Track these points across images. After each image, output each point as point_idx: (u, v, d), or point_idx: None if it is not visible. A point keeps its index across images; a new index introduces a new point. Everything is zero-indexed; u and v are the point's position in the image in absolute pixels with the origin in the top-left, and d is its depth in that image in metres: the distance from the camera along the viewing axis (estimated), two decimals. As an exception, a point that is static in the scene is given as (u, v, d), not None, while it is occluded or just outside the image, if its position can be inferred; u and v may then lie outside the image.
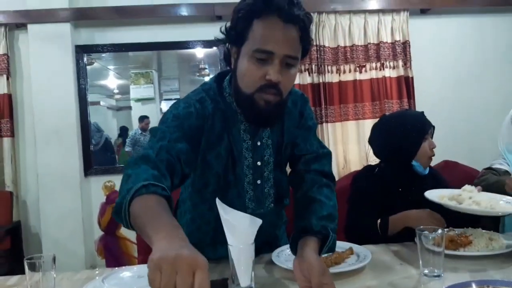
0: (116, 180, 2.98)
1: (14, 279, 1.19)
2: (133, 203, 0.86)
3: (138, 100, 3.81)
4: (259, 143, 1.18)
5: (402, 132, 1.49)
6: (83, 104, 3.28)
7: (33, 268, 0.99)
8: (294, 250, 1.05)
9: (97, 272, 1.22)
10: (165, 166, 0.99)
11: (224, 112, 1.14)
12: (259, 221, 1.05)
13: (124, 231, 2.98)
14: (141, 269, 1.15)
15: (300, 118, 1.24)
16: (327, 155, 1.26)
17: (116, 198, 2.56)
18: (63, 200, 3.11)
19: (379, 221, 1.44)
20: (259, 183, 1.20)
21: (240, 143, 1.16)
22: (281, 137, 1.22)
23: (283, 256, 1.20)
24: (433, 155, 1.53)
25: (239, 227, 1.03)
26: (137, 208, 0.86)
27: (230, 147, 1.15)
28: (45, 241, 3.11)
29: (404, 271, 1.08)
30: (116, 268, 1.21)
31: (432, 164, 1.63)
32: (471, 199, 1.27)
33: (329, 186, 1.19)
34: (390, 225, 1.40)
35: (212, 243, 1.23)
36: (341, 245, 1.20)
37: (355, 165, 3.19)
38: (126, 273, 1.16)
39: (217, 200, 1.09)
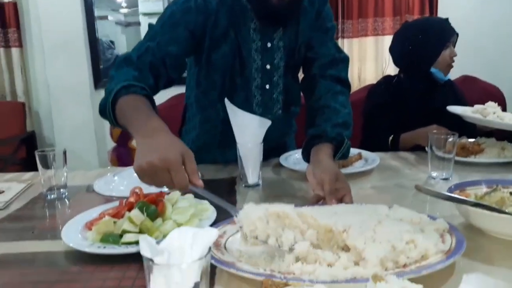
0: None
1: (28, 175, 1.22)
2: (116, 104, 0.90)
3: (146, 14, 3.66)
4: (269, 45, 1.12)
5: (423, 38, 1.41)
6: (90, 18, 3.17)
7: (44, 161, 1.00)
8: (306, 157, 1.03)
9: (109, 168, 1.25)
10: (148, 68, 1.00)
11: (231, 7, 1.06)
12: (268, 122, 1.04)
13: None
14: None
15: (317, 18, 1.16)
16: (344, 60, 1.20)
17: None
18: (75, 112, 3.13)
19: (390, 138, 1.42)
20: (267, 88, 1.15)
21: (249, 43, 1.10)
22: (295, 39, 1.15)
23: (291, 159, 1.21)
24: (453, 62, 1.47)
25: (248, 127, 1.03)
26: (118, 109, 0.91)
27: (237, 46, 1.09)
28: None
29: (412, 175, 1.08)
30: (128, 167, 1.23)
31: (451, 78, 1.57)
32: (495, 114, 1.24)
33: (344, 93, 1.14)
34: (401, 142, 1.38)
35: (220, 146, 1.23)
36: (350, 151, 1.19)
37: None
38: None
39: (226, 100, 1.07)
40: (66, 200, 0.99)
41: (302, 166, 1.12)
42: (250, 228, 0.64)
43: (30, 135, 3.18)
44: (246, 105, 1.12)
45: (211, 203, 0.79)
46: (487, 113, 1.25)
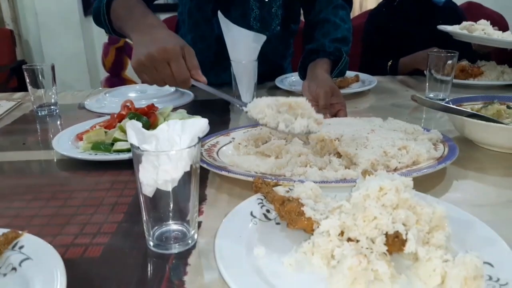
0: (118, 20, 2.85)
1: (18, 94, 1.20)
2: (110, 8, 0.87)
3: None
4: None
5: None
6: None
7: (33, 77, 0.97)
8: (303, 74, 1.00)
9: (100, 89, 1.22)
10: None
11: None
12: (263, 37, 0.99)
13: (129, 73, 2.97)
14: (143, 87, 1.15)
15: None
16: None
17: (118, 38, 2.48)
18: (65, 41, 3.03)
19: (389, 63, 1.39)
20: (266, 0, 1.10)
21: None
22: None
23: (287, 82, 1.18)
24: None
25: (242, 42, 0.98)
26: (112, 12, 0.87)
27: None
28: (52, 81, 3.13)
29: (408, 95, 1.06)
30: (120, 87, 1.21)
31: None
32: (484, 31, 1.19)
33: (345, 8, 1.09)
34: (400, 66, 1.35)
35: (214, 68, 1.19)
36: (347, 73, 1.16)
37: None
38: (129, 90, 1.17)
39: (219, 14, 1.02)
40: (57, 116, 0.98)
41: (298, 88, 1.10)
42: (259, 116, 0.60)
43: (20, 64, 3.10)
44: (242, 20, 1.06)
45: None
46: (474, 29, 1.19)
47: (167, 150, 0.40)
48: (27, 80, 0.98)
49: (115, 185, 0.59)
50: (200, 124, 0.41)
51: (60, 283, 0.35)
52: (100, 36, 2.95)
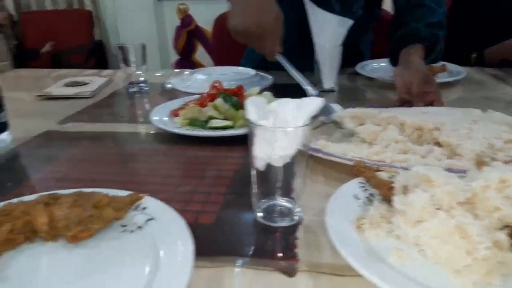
0: (190, 3, 2.93)
1: (106, 71, 1.28)
2: None
3: None
4: None
5: None
6: None
7: (125, 55, 1.03)
8: (394, 60, 0.97)
9: (184, 70, 1.27)
10: None
11: None
12: (349, 22, 0.98)
13: (199, 56, 3.06)
14: (225, 69, 1.18)
15: None
16: None
17: (190, 21, 2.54)
18: (139, 23, 3.17)
19: (474, 55, 1.31)
20: None
21: None
22: None
23: (368, 68, 1.16)
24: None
25: (327, 26, 0.98)
26: None
27: None
28: (125, 62, 3.30)
29: (501, 88, 1.00)
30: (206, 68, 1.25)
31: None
32: None
33: None
34: (487, 57, 1.27)
35: (295, 51, 1.19)
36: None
37: None
38: (212, 71, 1.21)
39: (305, -4, 1.01)
40: (146, 93, 1.04)
41: (380, 74, 1.08)
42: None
43: (98, 44, 3.29)
44: (323, 2, 1.05)
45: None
46: None
47: (285, 126, 0.41)
48: (120, 58, 1.04)
49: (213, 160, 0.62)
50: (316, 103, 0.42)
51: (185, 242, 0.38)
52: (172, 20, 3.05)
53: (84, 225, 0.40)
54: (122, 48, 1.04)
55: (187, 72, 1.23)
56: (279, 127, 0.41)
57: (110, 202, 0.43)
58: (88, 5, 3.26)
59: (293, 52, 1.17)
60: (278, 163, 0.42)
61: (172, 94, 1.01)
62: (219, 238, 0.43)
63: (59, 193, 0.44)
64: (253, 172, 0.44)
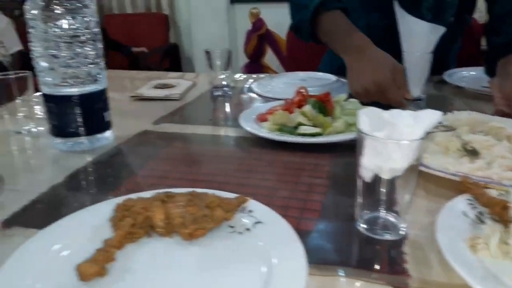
0: (262, 7, 2.97)
1: (189, 75, 1.34)
2: (318, 20, 0.98)
3: None
4: None
5: None
6: None
7: (212, 60, 1.08)
8: (490, 70, 0.93)
9: (262, 75, 1.30)
10: None
11: None
12: (441, 29, 0.95)
13: (267, 60, 3.09)
14: (305, 74, 1.19)
15: None
16: None
17: (261, 25, 2.59)
18: (211, 27, 3.27)
19: None
20: None
21: None
22: None
23: (456, 76, 1.11)
24: None
25: (418, 33, 0.95)
26: (318, 26, 0.98)
27: None
28: (197, 63, 3.42)
29: None
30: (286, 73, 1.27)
31: None
32: None
33: None
34: None
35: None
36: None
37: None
38: (291, 76, 1.22)
39: (395, 3, 0.99)
40: (229, 97, 1.07)
41: (469, 83, 1.03)
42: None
43: (173, 46, 3.44)
44: (414, 9, 1.02)
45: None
46: None
47: (400, 139, 0.40)
48: (207, 62, 1.08)
49: (304, 166, 0.63)
50: (434, 116, 0.41)
51: (297, 248, 0.39)
52: (243, 23, 3.12)
53: (198, 223, 0.43)
54: (208, 53, 1.08)
55: (264, 76, 1.26)
56: (393, 139, 0.40)
57: (220, 203, 0.46)
58: (165, 9, 3.42)
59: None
60: (388, 175, 0.42)
61: (253, 98, 1.04)
62: (321, 246, 0.44)
63: (173, 192, 0.48)
64: (359, 182, 0.45)
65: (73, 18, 0.64)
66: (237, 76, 1.31)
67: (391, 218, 0.46)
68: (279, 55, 2.92)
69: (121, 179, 0.61)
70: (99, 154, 0.70)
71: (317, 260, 0.41)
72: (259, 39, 2.93)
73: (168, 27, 3.37)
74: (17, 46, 3.55)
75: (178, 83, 1.18)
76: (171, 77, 1.31)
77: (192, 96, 1.08)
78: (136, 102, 1.03)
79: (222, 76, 1.09)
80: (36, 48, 0.67)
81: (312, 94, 0.85)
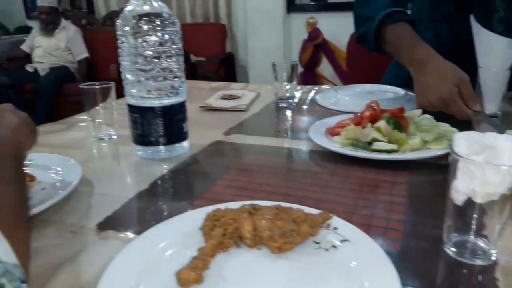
0: (319, 17, 2.97)
1: (252, 86, 1.36)
2: (383, 31, 0.99)
3: None
4: None
5: None
6: None
7: (276, 72, 1.10)
8: None
9: (325, 86, 1.30)
10: None
11: None
12: (521, 44, 0.91)
13: (322, 70, 3.09)
14: (373, 87, 1.18)
15: None
16: None
17: (318, 35, 2.59)
18: (267, 36, 3.31)
19: None
20: None
21: None
22: None
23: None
24: None
25: (496, 49, 0.92)
26: (385, 38, 0.99)
27: None
28: (251, 72, 3.48)
29: None
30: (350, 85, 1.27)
31: None
32: None
33: None
34: None
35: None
36: None
37: None
38: (358, 89, 1.22)
39: (471, 17, 0.97)
40: (294, 109, 1.08)
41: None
42: None
43: (228, 55, 3.53)
44: (485, 22, 0.99)
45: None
46: None
47: (499, 164, 0.40)
48: (273, 74, 1.11)
49: (380, 183, 0.63)
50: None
51: (389, 269, 0.39)
52: (299, 33, 3.13)
53: (286, 238, 0.44)
54: (274, 65, 1.10)
55: (327, 87, 1.26)
56: (492, 163, 0.40)
57: (305, 219, 0.47)
58: (223, 18, 3.51)
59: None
60: (482, 200, 0.41)
61: (318, 111, 1.04)
62: (408, 267, 0.44)
63: (259, 204, 0.49)
64: (450, 205, 0.44)
65: (161, 34, 0.69)
66: (298, 87, 1.31)
67: (481, 243, 0.45)
68: (335, 65, 2.91)
69: (202, 188, 0.64)
70: (177, 162, 0.74)
71: (403, 282, 0.41)
72: (315, 49, 2.93)
73: (225, 37, 3.46)
74: (84, 54, 3.80)
75: (243, 94, 1.21)
76: (234, 88, 1.35)
77: (257, 107, 1.11)
78: (205, 112, 1.07)
79: (287, 88, 1.10)
80: (125, 62, 0.72)
81: (383, 108, 0.84)
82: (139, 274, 0.41)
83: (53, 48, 3.70)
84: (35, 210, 0.53)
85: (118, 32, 0.71)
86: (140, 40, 0.68)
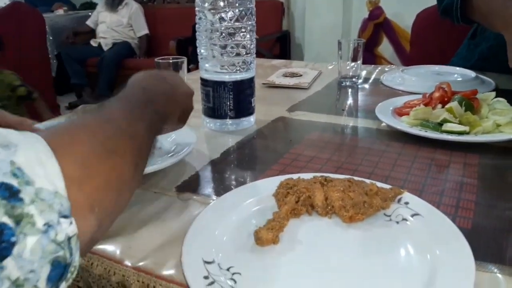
0: (382, -5, 2.87)
1: (316, 65, 1.36)
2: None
3: None
4: None
5: None
6: None
7: (342, 49, 1.09)
8: None
9: (391, 66, 1.28)
10: None
11: None
12: None
13: (381, 50, 3.00)
14: (441, 68, 1.14)
15: None
16: None
17: (380, 14, 2.47)
18: (326, 15, 3.25)
19: None
20: None
21: None
22: None
23: None
24: None
25: None
26: (472, 6, 0.95)
27: None
28: (306, 51, 3.45)
29: None
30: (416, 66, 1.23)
31: None
32: None
33: None
34: None
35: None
36: None
37: None
38: (425, 70, 1.18)
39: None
40: (357, 88, 1.08)
41: None
42: None
43: (284, 34, 3.51)
44: None
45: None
46: None
47: None
48: (338, 52, 1.10)
49: (452, 164, 0.62)
50: None
51: (461, 242, 0.40)
52: (359, 12, 3.04)
53: (358, 208, 0.46)
54: (340, 43, 1.10)
55: (392, 67, 1.24)
56: None
57: (378, 192, 0.48)
58: (280, -4, 3.49)
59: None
60: None
61: (383, 90, 1.03)
62: (478, 244, 0.44)
63: (331, 177, 0.51)
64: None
65: (238, 10, 0.71)
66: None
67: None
68: (397, 46, 2.81)
69: (270, 160, 0.67)
70: (244, 135, 0.77)
71: (478, 256, 0.41)
72: (375, 28, 2.84)
73: (283, 14, 3.43)
74: (144, 30, 3.93)
75: (305, 72, 1.22)
76: (296, 66, 1.36)
77: (319, 85, 1.11)
78: (267, 89, 1.09)
79: (351, 66, 1.10)
80: (201, 37, 0.75)
81: (454, 90, 0.82)
82: (221, 233, 0.45)
83: (116, 24, 3.86)
84: (153, 167, 0.58)
85: (197, 8, 0.74)
86: (217, 16, 0.71)
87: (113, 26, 3.89)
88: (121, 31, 3.90)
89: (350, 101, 1.00)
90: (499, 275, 0.39)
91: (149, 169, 0.56)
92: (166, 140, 0.68)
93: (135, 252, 0.44)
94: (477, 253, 0.42)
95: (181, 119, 0.56)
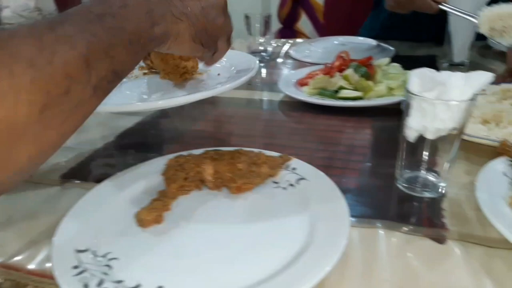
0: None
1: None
2: None
3: None
4: None
5: None
6: None
7: (248, 24, 1.08)
8: None
9: (300, 40, 1.29)
10: None
11: None
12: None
13: (301, 25, 3.04)
14: (345, 39, 1.17)
15: None
16: None
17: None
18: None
19: None
20: None
21: None
22: None
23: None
24: None
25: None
26: None
27: None
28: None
29: None
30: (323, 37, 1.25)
31: None
32: None
33: None
34: None
35: (424, 22, 1.13)
36: None
37: None
38: (330, 41, 1.20)
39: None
40: (267, 62, 1.08)
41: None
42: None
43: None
44: None
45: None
46: None
47: (448, 99, 0.41)
48: (246, 27, 1.09)
49: (344, 129, 0.64)
50: (485, 77, 0.41)
51: (339, 201, 0.41)
52: (279, -12, 3.04)
53: (246, 178, 0.46)
54: (248, 17, 1.08)
55: (301, 41, 1.25)
56: (442, 99, 0.41)
57: (266, 160, 0.48)
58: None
59: (421, 23, 1.11)
60: (432, 136, 0.43)
61: (291, 63, 1.04)
62: (361, 201, 0.46)
63: (222, 150, 0.50)
64: (403, 142, 0.46)
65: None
66: (272, 41, 1.30)
67: (431, 177, 0.47)
68: (314, 21, 2.86)
69: (170, 139, 0.65)
70: (145, 115, 0.74)
71: (357, 214, 0.43)
72: (294, 4, 2.86)
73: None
74: (55, 13, 3.65)
75: (216, 48, 1.19)
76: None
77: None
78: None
79: (261, 41, 1.09)
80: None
81: (353, 59, 0.85)
82: (99, 219, 0.42)
83: (21, 8, 3.54)
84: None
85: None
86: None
87: (19, 11, 3.56)
88: (28, 16, 3.58)
89: (257, 75, 1.00)
90: (381, 231, 0.41)
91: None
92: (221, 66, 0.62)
93: (8, 249, 0.41)
94: (362, 209, 0.44)
95: (216, 42, 0.46)
